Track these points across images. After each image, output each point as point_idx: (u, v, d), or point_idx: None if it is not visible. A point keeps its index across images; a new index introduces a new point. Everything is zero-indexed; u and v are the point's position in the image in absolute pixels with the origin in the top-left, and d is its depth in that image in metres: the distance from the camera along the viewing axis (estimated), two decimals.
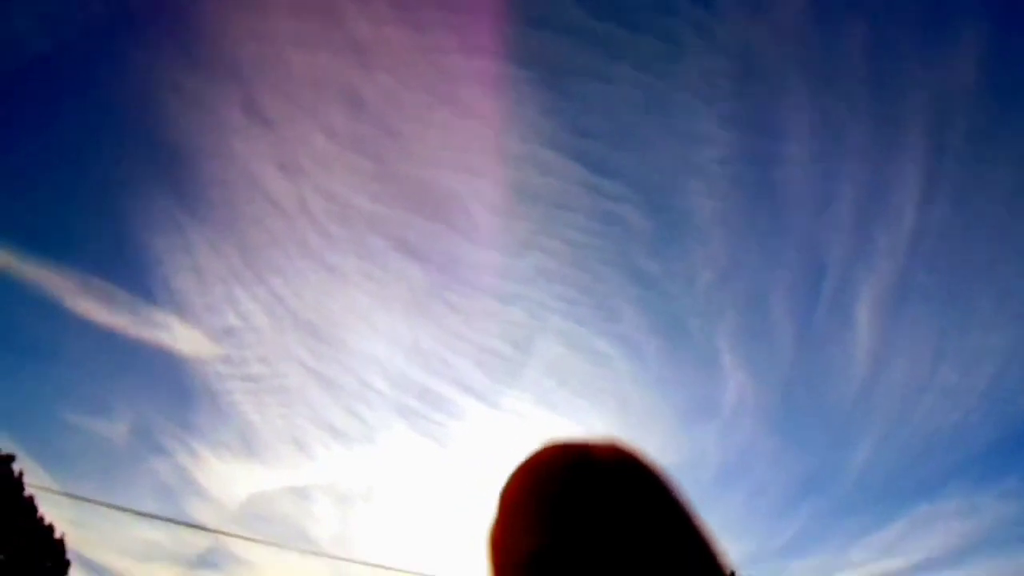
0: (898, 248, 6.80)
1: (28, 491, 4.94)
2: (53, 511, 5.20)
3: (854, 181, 6.83)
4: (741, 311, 7.62)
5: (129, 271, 8.10)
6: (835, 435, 7.96)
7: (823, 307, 7.27)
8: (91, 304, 7.32)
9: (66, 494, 5.65)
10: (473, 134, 7.10)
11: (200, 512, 7.62)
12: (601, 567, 0.17)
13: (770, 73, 6.62)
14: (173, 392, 8.50)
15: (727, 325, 7.49)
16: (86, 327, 7.77)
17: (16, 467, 4.94)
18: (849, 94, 6.72)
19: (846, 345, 7.33)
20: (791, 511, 8.20)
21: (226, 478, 7.94)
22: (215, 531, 7.01)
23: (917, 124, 6.43)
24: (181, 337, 7.40)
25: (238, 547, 7.79)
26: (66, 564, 5.17)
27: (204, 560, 8.14)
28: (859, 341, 7.22)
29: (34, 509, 4.95)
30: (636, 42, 6.66)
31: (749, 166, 7.02)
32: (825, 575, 7.52)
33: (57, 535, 5.11)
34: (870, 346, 7.26)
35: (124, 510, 5.85)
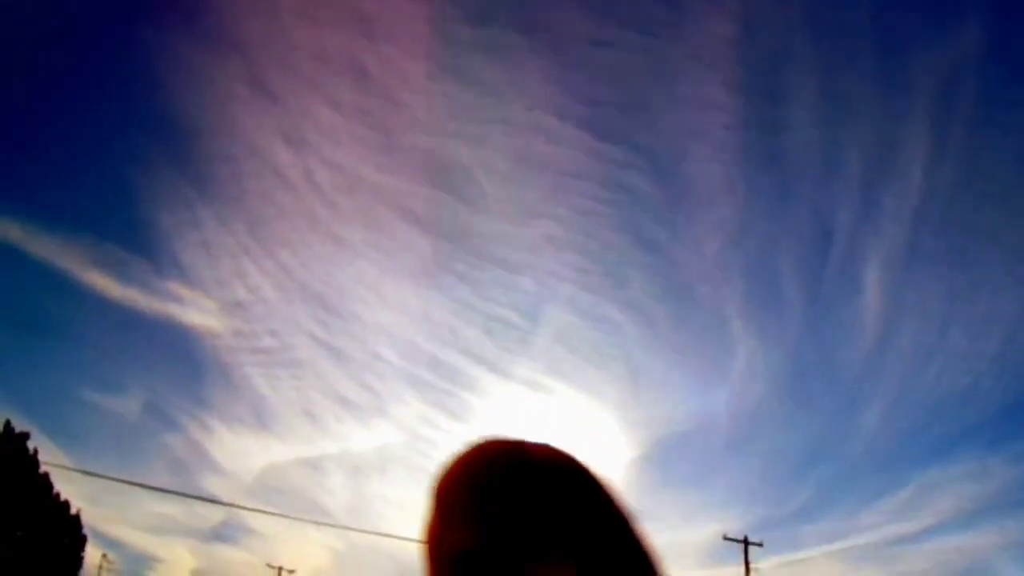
0: (905, 212, 6.79)
1: (43, 468, 4.98)
2: (68, 487, 5.26)
3: (861, 146, 6.82)
4: (749, 277, 7.63)
5: (139, 247, 8.13)
6: (845, 400, 7.99)
7: (831, 272, 7.30)
8: (102, 281, 7.36)
9: (81, 470, 5.70)
10: (478, 103, 7.08)
11: (214, 486, 7.69)
12: (533, 566, 0.17)
13: (776, 38, 6.59)
14: (185, 367, 8.55)
15: (736, 291, 7.50)
16: (98, 304, 7.81)
17: (31, 444, 4.98)
18: (855, 59, 6.68)
19: (855, 309, 7.36)
20: (802, 476, 8.26)
21: (239, 451, 8.00)
22: (229, 504, 7.05)
23: (924, 88, 6.41)
24: (191, 312, 7.43)
25: (252, 519, 7.86)
26: (82, 539, 5.22)
27: (218, 533, 8.24)
28: (868, 305, 7.23)
29: (49, 486, 4.99)
30: (641, 8, 6.63)
31: (756, 132, 7.01)
32: (836, 539, 7.55)
33: (73, 511, 5.16)
34: (879, 310, 7.27)
35: (139, 485, 5.90)
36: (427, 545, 0.19)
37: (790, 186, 7.19)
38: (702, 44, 6.64)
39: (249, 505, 8.22)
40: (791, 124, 6.85)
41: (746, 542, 4.98)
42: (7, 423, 4.98)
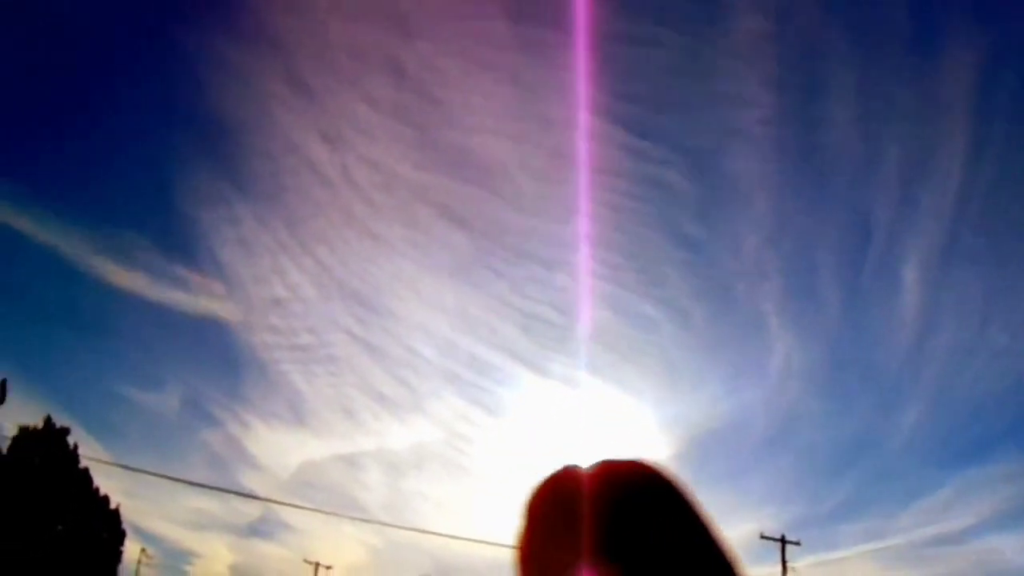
0: (944, 209, 6.71)
1: (83, 463, 5.03)
2: (108, 482, 5.31)
3: (899, 142, 6.74)
4: (787, 274, 7.56)
5: (177, 245, 8.20)
6: (883, 398, 7.90)
7: (869, 269, 7.23)
8: (140, 278, 7.42)
9: (120, 465, 5.77)
10: (515, 100, 7.08)
11: (251, 481, 7.75)
12: None
13: (811, 33, 6.53)
14: (223, 364, 8.63)
15: (773, 288, 7.45)
16: (137, 301, 7.89)
17: (71, 440, 5.03)
18: (892, 54, 6.60)
19: (893, 307, 7.27)
20: (839, 475, 8.18)
21: (276, 447, 8.04)
22: (266, 499, 7.10)
23: (963, 83, 6.32)
24: (229, 309, 7.48)
25: (289, 515, 7.91)
26: (122, 534, 5.27)
27: (255, 528, 8.27)
28: (906, 303, 7.15)
29: (89, 481, 5.04)
30: (677, 5, 6.59)
31: (792, 128, 6.96)
32: (874, 539, 7.50)
33: (112, 506, 5.21)
34: (918, 308, 7.18)
35: (177, 480, 5.96)
36: (525, 565, 0.19)
37: (828, 182, 7.13)
38: (738, 40, 6.59)
39: (286, 501, 8.26)
40: (828, 120, 6.80)
41: (783, 541, 4.94)
42: (48, 419, 5.04)
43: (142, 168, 8.33)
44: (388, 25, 6.99)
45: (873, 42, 6.72)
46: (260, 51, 7.13)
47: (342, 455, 8.01)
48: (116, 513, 5.21)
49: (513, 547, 0.20)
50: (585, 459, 0.20)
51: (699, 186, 7.23)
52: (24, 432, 4.90)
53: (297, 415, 8.18)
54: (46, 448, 4.85)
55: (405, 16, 6.85)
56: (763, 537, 5.00)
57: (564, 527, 0.19)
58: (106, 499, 5.15)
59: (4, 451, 4.74)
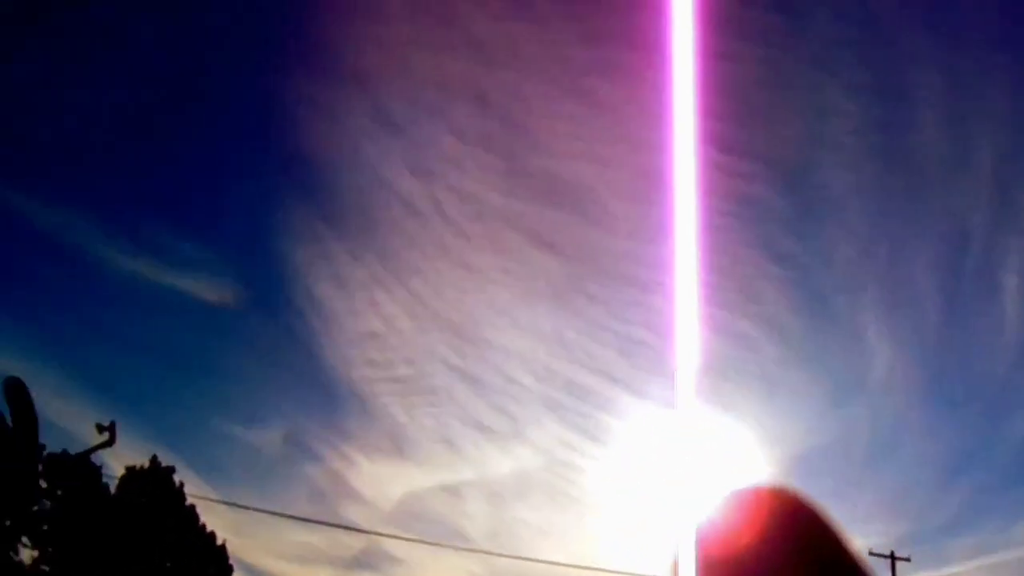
0: None
1: (189, 501, 5.11)
2: (214, 519, 5.38)
3: (992, 143, 6.54)
4: (884, 284, 7.40)
5: (272, 283, 8.33)
6: (990, 407, 7.64)
7: (968, 275, 6.97)
8: (240, 318, 7.55)
9: (225, 502, 5.83)
10: (599, 123, 7.04)
11: (354, 514, 7.77)
12: None
13: (894, 37, 6.38)
14: (322, 398, 8.70)
15: (870, 299, 7.27)
16: (235, 340, 8.02)
17: (177, 478, 5.11)
18: (980, 52, 6.42)
19: (995, 313, 6.97)
20: (948, 488, 7.90)
21: (378, 479, 8.07)
22: (370, 532, 7.11)
23: None
24: (327, 344, 7.55)
25: (393, 547, 7.91)
26: (229, 570, 5.33)
27: (360, 561, 8.29)
28: (1009, 308, 6.82)
29: (196, 518, 5.11)
30: (755, 18, 6.49)
31: (881, 135, 6.78)
32: (987, 553, 7.21)
33: (219, 542, 5.27)
34: (1020, 313, 6.93)
35: (281, 515, 6.00)
36: None
37: (921, 188, 6.93)
38: (820, 49, 6.48)
39: (390, 532, 8.29)
40: (917, 124, 6.61)
41: (893, 557, 4.81)
42: (154, 458, 5.13)
43: (230, 207, 8.52)
44: (470, 55, 7.03)
45: (958, 42, 6.56)
46: (345, 88, 7.22)
47: (444, 485, 8.00)
48: (223, 549, 5.27)
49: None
50: (747, 482, 0.20)
51: (790, 199, 7.08)
52: (131, 472, 5.01)
53: (398, 447, 8.21)
54: (153, 487, 4.94)
55: (486, 45, 6.88)
56: (872, 554, 4.86)
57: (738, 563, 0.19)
58: (212, 536, 5.22)
59: (113, 491, 4.84)
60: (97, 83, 7.35)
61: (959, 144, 6.67)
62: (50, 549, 4.56)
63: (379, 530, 7.17)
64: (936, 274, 7.17)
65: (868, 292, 7.34)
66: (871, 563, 0.17)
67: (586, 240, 7.29)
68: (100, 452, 4.17)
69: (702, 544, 0.19)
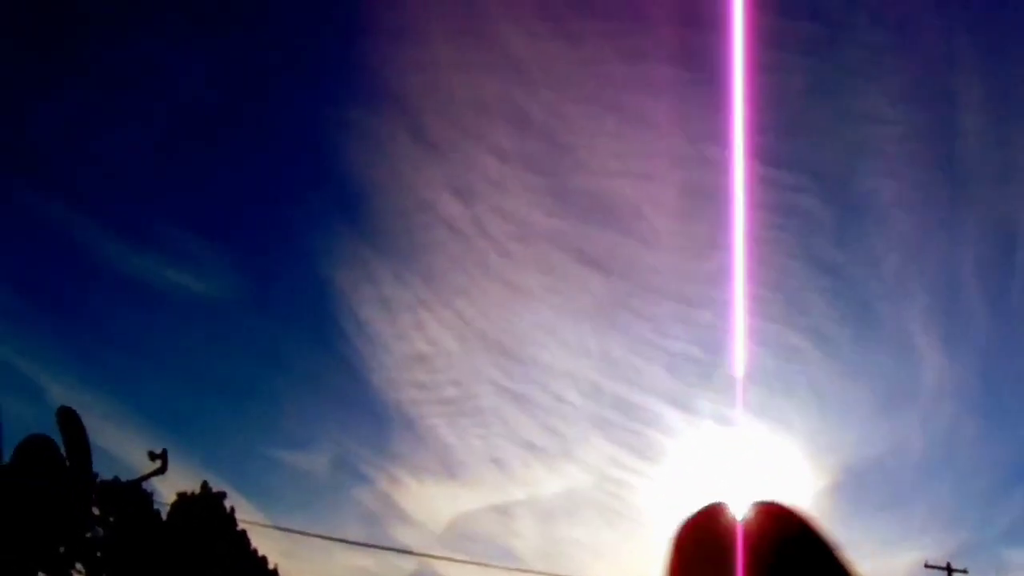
0: None
1: (241, 525, 5.13)
2: (265, 543, 5.40)
3: None
4: (931, 291, 7.31)
5: (316, 307, 8.38)
6: None
7: (1017, 279, 6.88)
8: (287, 342, 7.59)
9: (276, 527, 5.85)
10: (641, 140, 7.02)
11: (405, 536, 7.78)
12: None
13: (936, 42, 6.32)
14: (370, 421, 8.73)
15: (918, 307, 7.18)
16: (282, 366, 8.08)
17: (227, 503, 5.14)
18: (1022, 55, 6.33)
19: None
20: (1004, 496, 7.83)
21: (428, 501, 8.07)
22: (421, 554, 7.10)
23: None
24: (373, 367, 7.58)
25: (444, 568, 7.91)
26: None
27: None
28: None
29: (247, 543, 5.14)
30: (795, 29, 6.46)
31: (924, 141, 6.72)
32: None
33: (271, 566, 5.29)
34: None
35: (331, 539, 6.01)
36: None
37: (966, 194, 6.86)
38: (861, 57, 6.43)
39: (441, 554, 8.28)
40: (962, 130, 6.53)
41: (949, 569, 4.73)
42: (204, 484, 5.17)
43: (275, 232, 8.60)
44: (509, 75, 7.04)
45: (1000, 45, 6.49)
46: (386, 111, 7.29)
47: (494, 505, 7.99)
48: (275, 574, 5.29)
49: None
50: (734, 496, 0.21)
51: (836, 209, 7.06)
52: (182, 498, 5.04)
53: (447, 468, 8.21)
54: (204, 512, 4.97)
55: (525, 65, 6.89)
56: (928, 566, 4.80)
57: (712, 563, 0.20)
58: (264, 560, 5.24)
59: (164, 517, 4.87)
60: (143, 114, 7.49)
61: (1004, 148, 6.61)
62: (104, 575, 4.61)
63: (430, 552, 7.15)
64: (984, 280, 7.11)
65: (916, 300, 7.27)
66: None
67: (630, 257, 7.29)
68: (152, 479, 4.21)
69: (689, 548, 0.20)
